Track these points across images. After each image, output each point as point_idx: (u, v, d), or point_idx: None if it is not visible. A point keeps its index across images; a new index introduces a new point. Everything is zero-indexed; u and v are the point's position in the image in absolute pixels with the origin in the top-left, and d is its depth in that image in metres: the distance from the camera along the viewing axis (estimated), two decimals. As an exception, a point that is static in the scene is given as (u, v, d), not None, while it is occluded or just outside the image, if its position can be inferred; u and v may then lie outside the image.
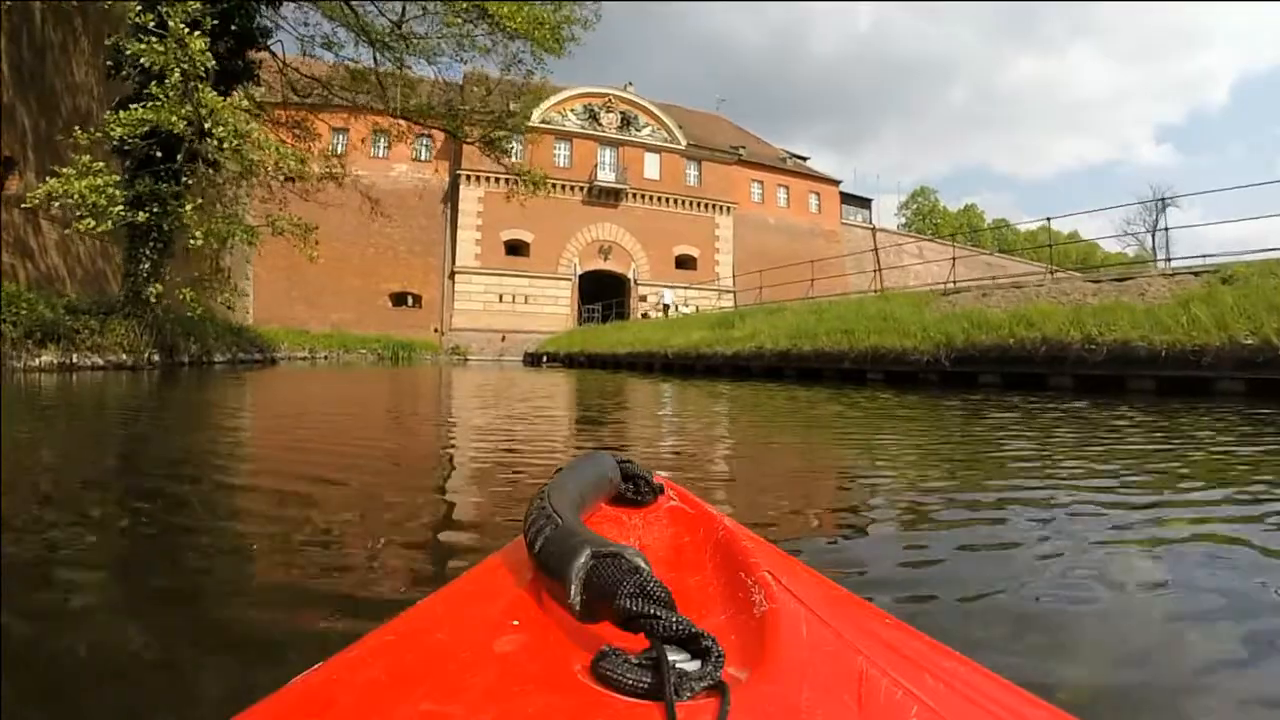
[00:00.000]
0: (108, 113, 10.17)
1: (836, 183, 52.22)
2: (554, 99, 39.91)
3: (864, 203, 56.61)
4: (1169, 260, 19.61)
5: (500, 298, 38.52)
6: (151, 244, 11.32)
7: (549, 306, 39.32)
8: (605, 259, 40.96)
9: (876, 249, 43.63)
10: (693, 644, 0.41)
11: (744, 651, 0.45)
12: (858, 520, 2.24)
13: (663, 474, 0.85)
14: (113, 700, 1.02)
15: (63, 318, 10.10)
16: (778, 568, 0.57)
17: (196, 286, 11.88)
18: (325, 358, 28.55)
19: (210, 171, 12.12)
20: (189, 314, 13.73)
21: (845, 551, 1.86)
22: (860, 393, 9.05)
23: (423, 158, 38.06)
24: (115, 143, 10.22)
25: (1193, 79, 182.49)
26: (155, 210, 10.89)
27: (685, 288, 39.04)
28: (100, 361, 10.33)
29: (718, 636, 0.41)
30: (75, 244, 12.69)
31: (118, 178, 10.29)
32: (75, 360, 9.96)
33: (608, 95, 41.82)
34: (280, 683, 0.41)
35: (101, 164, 10.06)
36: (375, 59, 17.00)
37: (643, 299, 37.65)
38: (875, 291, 18.83)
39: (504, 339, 37.34)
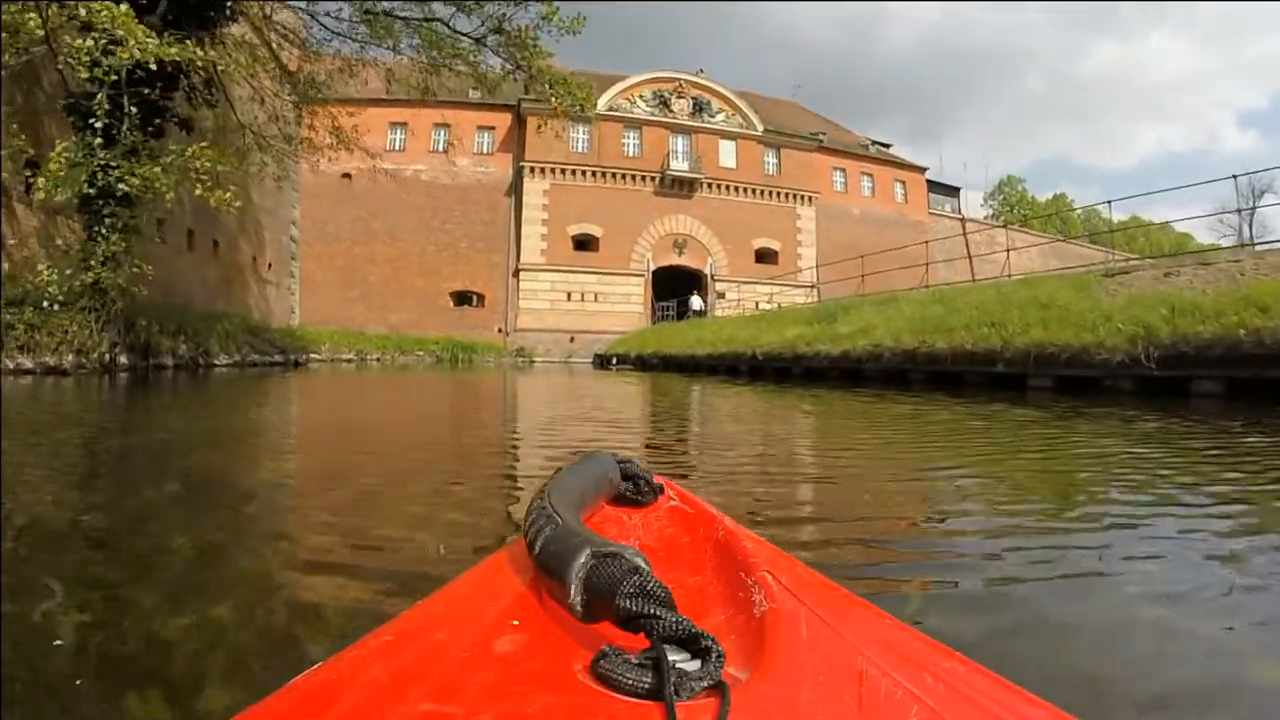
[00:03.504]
0: None
1: (923, 170, 48.37)
2: (621, 85, 37.79)
3: (952, 191, 52.78)
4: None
5: (568, 296, 36.38)
6: (109, 220, 9.39)
7: (620, 305, 36.91)
8: (680, 254, 38.33)
9: (967, 235, 39.94)
10: (693, 644, 0.40)
11: (744, 651, 0.45)
12: None
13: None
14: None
15: (3, 310, 8.29)
16: (778, 568, 0.56)
17: (64, 258, 9.67)
18: (378, 360, 26.62)
19: (178, 128, 10.15)
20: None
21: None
22: (1057, 407, 6.37)
23: (485, 150, 36.39)
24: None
25: (1274, 60, 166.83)
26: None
27: (759, 283, 36.03)
28: (28, 365, 8.46)
29: (718, 636, 0.41)
30: (58, 230, 10.90)
31: None
32: (-6, 363, 8.05)
33: (678, 80, 39.28)
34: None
35: None
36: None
37: (720, 295, 34.80)
38: (1008, 276, 15.75)
39: (572, 339, 35.17)
